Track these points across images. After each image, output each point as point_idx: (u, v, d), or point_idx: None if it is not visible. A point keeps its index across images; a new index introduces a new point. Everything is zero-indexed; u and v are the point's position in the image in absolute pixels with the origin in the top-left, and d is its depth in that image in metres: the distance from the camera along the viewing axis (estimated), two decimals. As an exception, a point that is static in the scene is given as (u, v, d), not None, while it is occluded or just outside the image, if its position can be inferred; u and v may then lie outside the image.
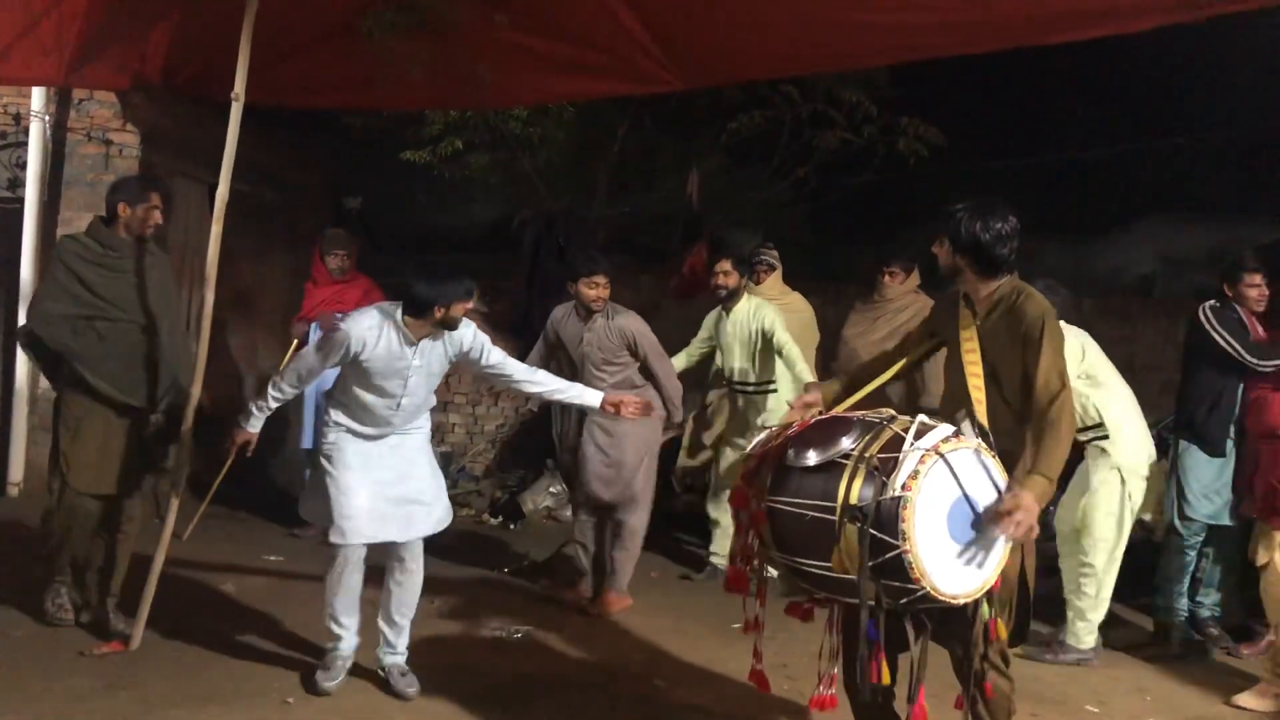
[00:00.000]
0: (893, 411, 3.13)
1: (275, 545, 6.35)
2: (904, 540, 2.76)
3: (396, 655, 4.14)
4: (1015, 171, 8.92)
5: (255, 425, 4.13)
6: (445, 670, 4.26)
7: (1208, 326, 5.09)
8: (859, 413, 3.17)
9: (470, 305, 3.97)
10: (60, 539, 4.55)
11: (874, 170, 7.37)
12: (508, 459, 8.54)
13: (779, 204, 8.43)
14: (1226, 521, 5.11)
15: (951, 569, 2.86)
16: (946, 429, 2.95)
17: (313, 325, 6.53)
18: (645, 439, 5.40)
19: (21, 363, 6.82)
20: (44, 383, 6.88)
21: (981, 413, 3.12)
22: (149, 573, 4.37)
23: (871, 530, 2.80)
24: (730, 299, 5.98)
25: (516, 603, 5.36)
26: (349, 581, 4.04)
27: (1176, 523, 5.16)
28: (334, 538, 3.98)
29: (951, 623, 3.07)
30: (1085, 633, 4.89)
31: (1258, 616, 5.10)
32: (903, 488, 2.79)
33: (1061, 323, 4.71)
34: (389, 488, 4.03)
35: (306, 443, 6.56)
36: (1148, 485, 5.00)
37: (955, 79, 7.90)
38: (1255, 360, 5.00)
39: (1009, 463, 3.04)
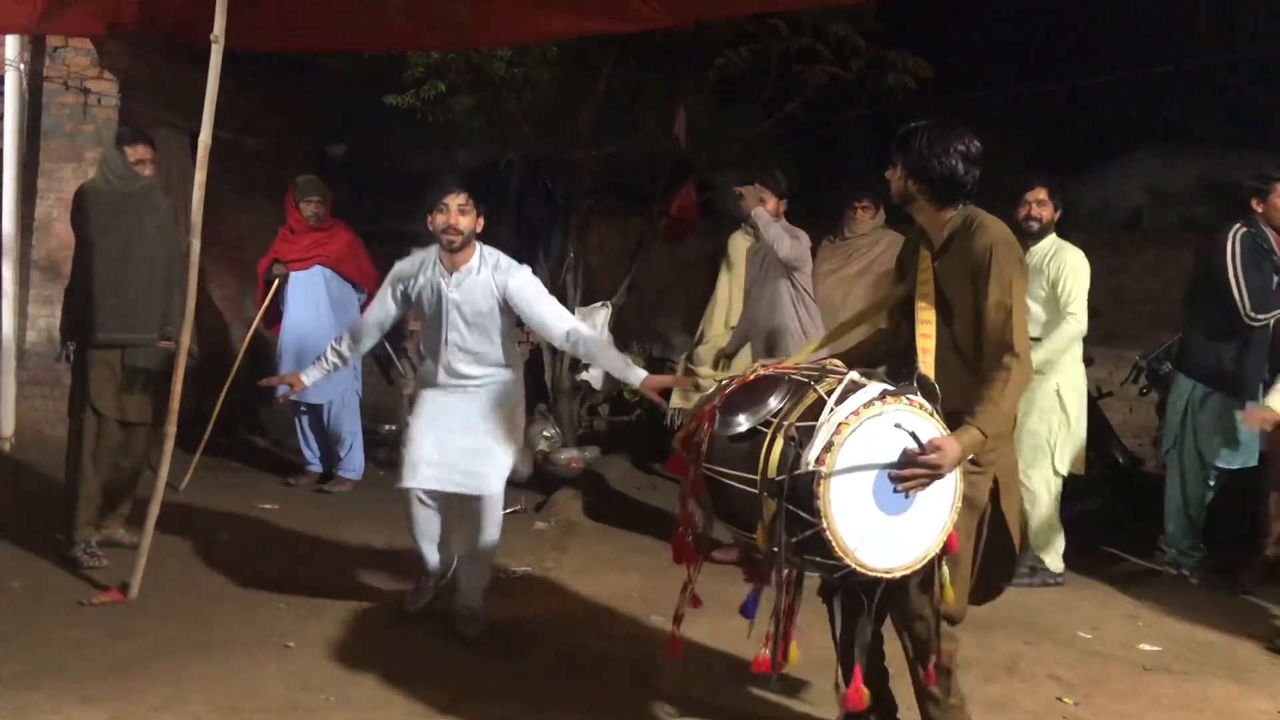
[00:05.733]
0: (835, 363, 2.91)
1: (270, 494, 6.37)
2: (821, 518, 2.55)
3: (462, 597, 4.18)
4: (1004, 105, 8.87)
5: (310, 378, 4.24)
6: (444, 613, 4.29)
7: (1229, 257, 4.81)
8: (794, 367, 2.91)
9: (440, 216, 3.95)
10: (84, 475, 4.77)
11: (862, 106, 7.30)
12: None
13: (766, 142, 8.34)
14: (1253, 464, 4.99)
15: (882, 542, 2.63)
16: (875, 389, 2.66)
17: (269, 268, 6.49)
18: None
19: (8, 317, 6.77)
20: (32, 337, 6.85)
21: (927, 364, 2.82)
22: (145, 523, 4.38)
23: (789, 506, 2.60)
24: (1036, 236, 5.03)
25: (515, 544, 5.38)
26: (422, 525, 4.17)
27: (1196, 466, 5.03)
28: (398, 480, 4.13)
29: (895, 593, 2.85)
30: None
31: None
32: (817, 461, 2.55)
33: None
34: (452, 439, 4.06)
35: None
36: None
37: (942, 11, 7.82)
38: (1252, 312, 4.78)
39: (959, 423, 2.73)
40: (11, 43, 6.68)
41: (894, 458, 2.63)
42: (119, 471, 4.90)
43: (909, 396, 2.69)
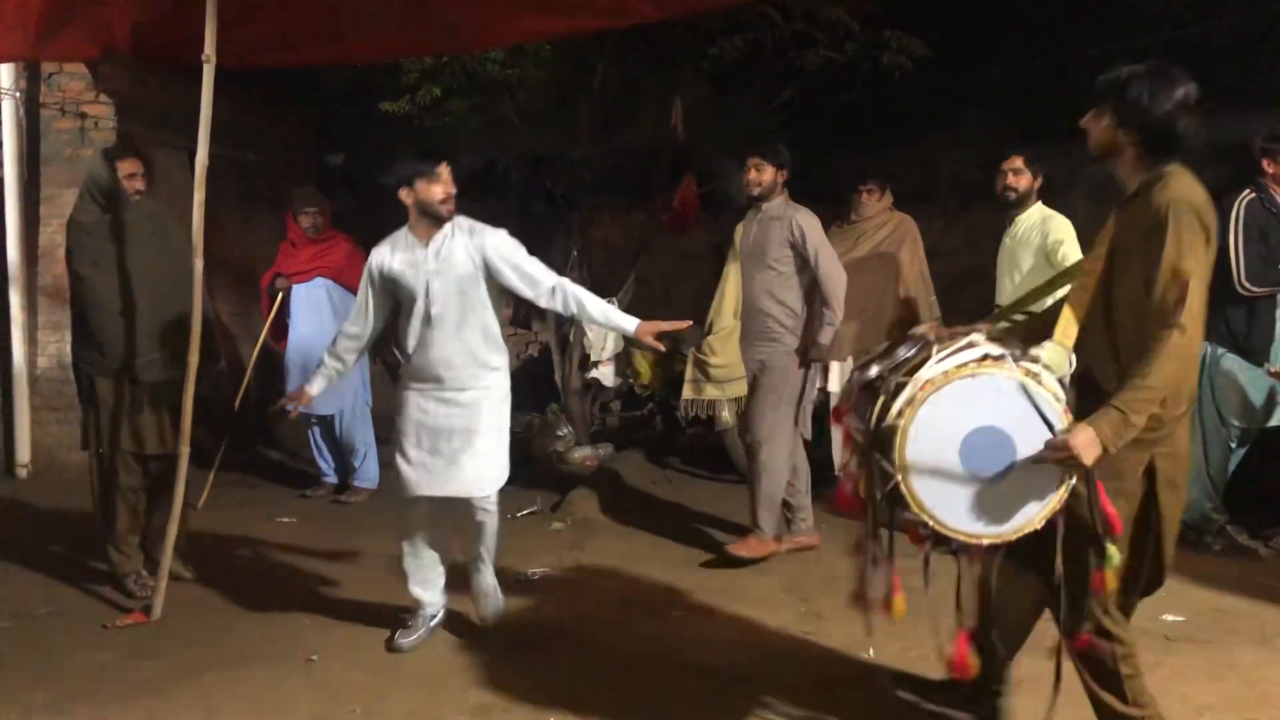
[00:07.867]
0: (982, 328, 2.81)
1: (287, 507, 6.39)
2: (897, 470, 2.57)
3: (477, 582, 4.20)
4: (1004, 78, 8.80)
5: (315, 387, 4.17)
6: (465, 616, 4.30)
7: (1232, 224, 4.76)
8: (947, 330, 2.85)
9: (439, 186, 3.86)
10: (115, 512, 4.67)
11: (859, 88, 7.28)
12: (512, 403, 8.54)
13: (765, 130, 8.32)
14: (1276, 423, 4.95)
15: (969, 505, 2.57)
16: (978, 352, 2.60)
17: (272, 282, 6.49)
18: (778, 381, 5.05)
19: (18, 345, 6.81)
20: (43, 363, 6.89)
21: (1067, 331, 2.69)
22: (164, 544, 4.39)
23: (877, 456, 2.64)
24: (1018, 205, 5.08)
25: (532, 545, 5.40)
26: (415, 539, 4.08)
27: (1217, 427, 4.99)
28: (396, 489, 4.07)
29: (1035, 558, 2.71)
30: None
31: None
32: (898, 414, 2.58)
33: None
34: (439, 442, 3.96)
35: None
36: None
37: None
38: (1246, 281, 4.78)
39: (1094, 394, 2.58)
40: (6, 70, 6.72)
41: (993, 420, 2.56)
42: (140, 499, 4.80)
43: (1022, 364, 2.59)
